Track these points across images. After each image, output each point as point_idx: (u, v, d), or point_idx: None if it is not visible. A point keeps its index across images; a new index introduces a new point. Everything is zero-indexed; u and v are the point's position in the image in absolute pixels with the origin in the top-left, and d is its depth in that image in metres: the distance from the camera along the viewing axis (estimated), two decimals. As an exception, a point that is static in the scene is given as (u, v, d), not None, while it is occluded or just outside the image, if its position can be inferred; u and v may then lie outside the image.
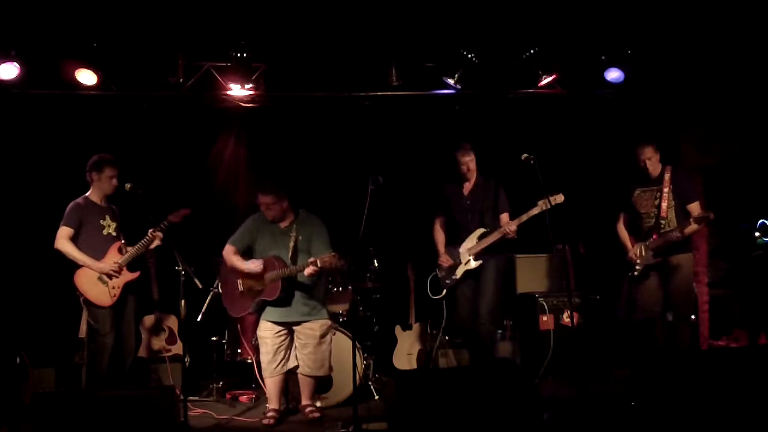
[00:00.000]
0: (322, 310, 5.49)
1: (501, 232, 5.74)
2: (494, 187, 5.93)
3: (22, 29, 5.86)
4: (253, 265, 5.39)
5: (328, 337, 5.48)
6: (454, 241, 6.02)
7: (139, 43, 6.17)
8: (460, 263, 5.91)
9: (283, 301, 5.35)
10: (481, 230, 5.88)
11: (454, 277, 5.95)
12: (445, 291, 6.05)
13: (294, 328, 5.43)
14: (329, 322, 5.54)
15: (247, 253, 5.51)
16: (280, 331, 5.40)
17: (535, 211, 5.58)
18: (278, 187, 5.40)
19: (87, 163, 5.54)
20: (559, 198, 5.48)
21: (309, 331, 5.39)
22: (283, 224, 5.47)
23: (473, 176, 5.96)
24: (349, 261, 5.96)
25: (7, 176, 6.58)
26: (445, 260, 6.01)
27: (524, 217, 5.65)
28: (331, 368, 5.55)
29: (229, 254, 5.50)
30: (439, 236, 6.15)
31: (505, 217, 5.85)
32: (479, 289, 5.86)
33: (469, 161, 5.91)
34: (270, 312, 5.40)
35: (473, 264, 5.85)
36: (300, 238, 5.39)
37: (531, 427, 4.52)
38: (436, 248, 6.13)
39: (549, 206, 5.38)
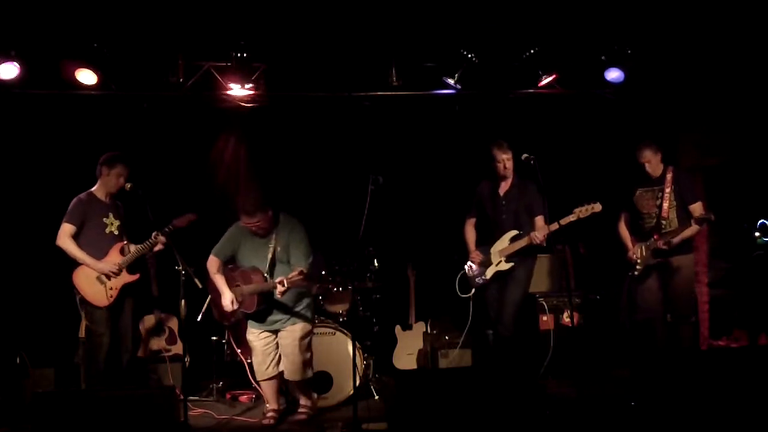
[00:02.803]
0: (304, 313, 5.38)
1: (529, 240, 5.59)
2: (531, 188, 5.74)
3: (22, 29, 5.86)
4: (225, 300, 5.30)
5: (307, 340, 5.39)
6: (486, 240, 5.90)
7: (139, 43, 6.17)
8: (492, 263, 5.81)
9: (263, 312, 5.31)
10: (514, 232, 5.73)
11: (484, 277, 5.83)
12: (474, 290, 5.94)
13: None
14: (310, 326, 5.44)
15: (230, 262, 5.46)
16: (266, 336, 5.38)
17: (570, 218, 5.39)
18: (262, 204, 5.21)
19: (101, 157, 5.51)
20: (597, 207, 5.37)
21: (290, 333, 5.32)
22: (263, 234, 5.35)
23: (510, 175, 5.80)
24: (319, 284, 5.99)
25: (6, 176, 6.58)
26: (476, 256, 5.87)
27: (556, 225, 5.39)
28: (312, 370, 5.47)
29: (212, 266, 5.43)
30: (471, 234, 6.01)
31: (540, 220, 5.67)
32: (506, 290, 5.74)
33: (506, 159, 5.73)
34: (253, 322, 5.40)
35: (505, 266, 5.73)
36: (278, 249, 5.30)
37: (532, 427, 4.52)
38: (466, 246, 5.99)
39: (586, 215, 5.33)
